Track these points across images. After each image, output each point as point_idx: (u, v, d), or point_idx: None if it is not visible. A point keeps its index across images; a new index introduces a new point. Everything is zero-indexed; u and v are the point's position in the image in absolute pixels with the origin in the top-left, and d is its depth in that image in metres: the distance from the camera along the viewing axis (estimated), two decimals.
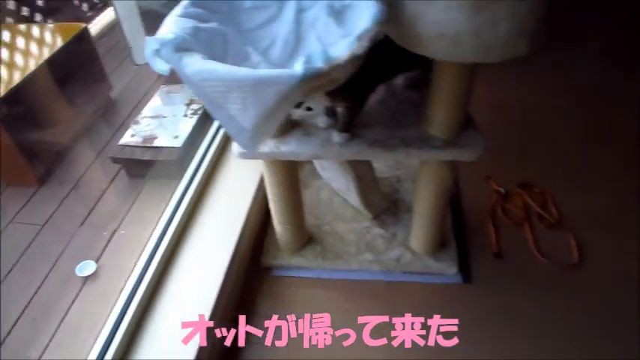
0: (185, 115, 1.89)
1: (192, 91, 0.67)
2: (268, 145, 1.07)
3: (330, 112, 1.08)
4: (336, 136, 1.06)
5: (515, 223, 1.48)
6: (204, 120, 1.78)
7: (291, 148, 1.06)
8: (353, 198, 1.42)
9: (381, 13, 0.70)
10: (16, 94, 1.72)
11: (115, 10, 1.12)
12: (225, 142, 1.57)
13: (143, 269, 1.16)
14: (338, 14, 0.75)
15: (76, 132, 2.04)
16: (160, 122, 1.85)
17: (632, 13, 2.56)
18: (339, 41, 0.67)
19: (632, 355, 1.15)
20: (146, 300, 1.13)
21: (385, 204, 1.49)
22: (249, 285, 1.36)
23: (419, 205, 1.24)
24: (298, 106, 1.12)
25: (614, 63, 2.19)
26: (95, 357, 0.99)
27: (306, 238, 1.41)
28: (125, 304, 1.08)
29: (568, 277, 1.33)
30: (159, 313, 1.11)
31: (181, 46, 0.66)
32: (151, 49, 0.69)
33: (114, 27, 2.30)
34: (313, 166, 1.61)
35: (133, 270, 1.17)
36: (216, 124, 1.62)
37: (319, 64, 0.62)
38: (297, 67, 0.61)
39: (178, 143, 1.75)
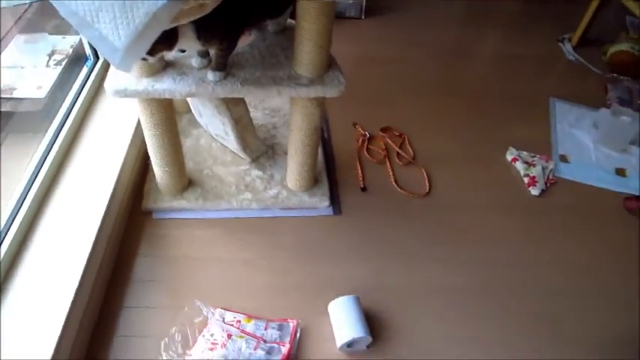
0: (47, 66, 1.77)
1: (61, 10, 0.68)
2: (142, 83, 1.09)
3: (204, 54, 1.13)
4: (211, 75, 1.11)
5: (378, 161, 1.67)
6: (71, 69, 1.69)
7: (165, 85, 1.09)
8: (231, 142, 1.49)
9: None
10: None
11: None
12: (98, 88, 1.53)
13: (6, 225, 1.11)
14: None
15: None
16: (19, 72, 1.72)
17: None
18: None
19: (470, 259, 1.40)
20: (13, 251, 1.10)
21: (263, 148, 1.58)
22: (130, 229, 1.38)
23: (292, 143, 1.36)
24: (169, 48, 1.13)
25: (468, 25, 2.49)
26: None
27: (186, 182, 1.45)
28: None
29: (420, 204, 1.56)
30: (27, 269, 1.09)
31: None
32: None
33: None
34: (192, 115, 1.64)
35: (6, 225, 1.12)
36: (84, 72, 1.56)
37: None
38: None
39: (42, 94, 1.65)
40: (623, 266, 1.43)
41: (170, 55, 1.15)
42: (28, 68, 1.75)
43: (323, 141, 1.69)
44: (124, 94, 1.09)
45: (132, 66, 0.77)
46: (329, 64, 1.18)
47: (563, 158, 1.78)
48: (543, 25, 2.53)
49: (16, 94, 1.64)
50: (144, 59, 0.98)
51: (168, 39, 0.95)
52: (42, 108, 1.61)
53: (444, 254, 1.41)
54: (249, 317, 1.21)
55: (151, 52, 0.95)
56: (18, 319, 1.00)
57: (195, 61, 1.14)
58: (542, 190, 1.63)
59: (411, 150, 1.72)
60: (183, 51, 1.17)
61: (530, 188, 1.63)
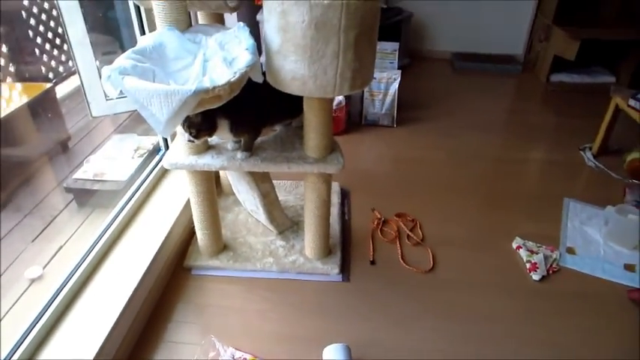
0: (132, 158, 2.27)
1: (129, 98, 1.07)
2: (189, 159, 1.47)
3: (237, 140, 1.51)
4: (239, 154, 1.48)
5: (389, 240, 1.89)
6: (149, 160, 2.16)
7: (205, 160, 1.47)
8: (261, 215, 1.80)
9: (251, 60, 1.15)
10: None
11: (79, 74, 1.51)
12: (164, 172, 1.96)
13: (71, 273, 1.45)
14: (229, 63, 1.20)
15: (32, 172, 2.36)
16: (111, 162, 2.22)
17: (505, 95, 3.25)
18: (224, 76, 1.11)
19: (464, 333, 1.52)
20: (74, 292, 1.43)
21: (289, 223, 1.88)
22: (173, 281, 1.68)
23: (306, 215, 1.64)
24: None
25: (492, 134, 2.78)
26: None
27: (222, 246, 1.76)
28: (52, 298, 1.37)
29: (423, 279, 1.73)
30: (88, 298, 1.42)
31: (123, 73, 1.08)
32: (106, 76, 1.10)
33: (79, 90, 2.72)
34: (236, 197, 2.00)
35: (71, 274, 1.46)
36: (155, 161, 2.01)
37: (206, 84, 1.06)
38: (192, 86, 1.04)
39: (124, 178, 2.11)
40: (620, 353, 1.46)
41: (213, 140, 1.54)
42: (118, 159, 2.25)
43: (342, 221, 1.96)
44: (175, 166, 1.48)
45: (170, 133, 1.14)
46: (332, 148, 1.50)
47: (570, 250, 1.88)
48: (567, 135, 2.75)
49: (105, 178, 2.12)
50: (191, 141, 1.37)
51: (209, 129, 1.36)
52: (122, 188, 2.05)
53: (439, 325, 1.54)
54: (254, 357, 1.41)
55: (197, 136, 1.34)
56: (66, 339, 1.28)
57: (230, 145, 1.52)
58: (544, 276, 1.74)
59: (421, 233, 1.93)
60: (221, 138, 1.56)
61: (532, 273, 1.75)
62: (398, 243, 1.87)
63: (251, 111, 1.45)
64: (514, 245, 1.88)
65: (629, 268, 1.80)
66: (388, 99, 2.74)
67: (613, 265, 1.81)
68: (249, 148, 1.48)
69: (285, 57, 1.23)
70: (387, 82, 2.72)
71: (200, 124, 1.32)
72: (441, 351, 1.45)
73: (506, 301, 1.64)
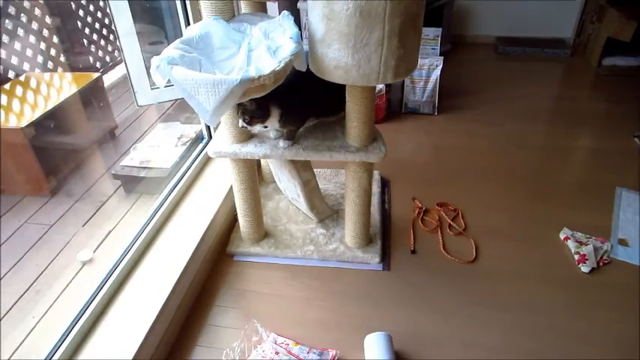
0: (176, 146, 2.32)
1: (177, 87, 1.09)
2: (232, 147, 1.49)
3: (280, 129, 1.52)
4: (282, 143, 1.49)
5: (431, 230, 1.87)
6: (192, 147, 2.21)
7: (248, 149, 1.48)
8: (302, 204, 1.81)
9: (295, 49, 1.15)
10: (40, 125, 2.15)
11: (125, 64, 1.55)
12: (207, 160, 2.00)
13: (121, 257, 1.51)
14: (274, 52, 1.20)
15: (83, 159, 2.46)
16: (155, 150, 2.28)
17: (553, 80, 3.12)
18: (268, 65, 1.12)
19: (508, 323, 1.50)
20: (123, 276, 1.48)
21: (329, 211, 1.88)
22: (216, 267, 1.73)
23: (347, 204, 1.64)
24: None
25: (542, 122, 2.68)
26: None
27: (263, 233, 1.79)
28: (103, 281, 1.42)
29: (466, 269, 1.70)
30: (137, 281, 1.48)
31: (172, 62, 1.10)
32: (155, 65, 1.13)
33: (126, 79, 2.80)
34: (276, 185, 2.02)
35: (120, 259, 1.51)
36: (199, 148, 2.05)
37: (252, 74, 1.06)
38: (238, 75, 1.05)
39: (168, 165, 2.17)
40: None
41: (255, 129, 1.55)
42: (162, 147, 2.31)
43: (383, 210, 1.95)
44: (219, 154, 1.50)
45: (217, 122, 1.16)
46: (374, 137, 1.49)
47: (623, 242, 1.81)
48: (619, 122, 2.62)
49: (150, 165, 2.18)
50: (244, 127, 1.40)
51: (261, 116, 1.38)
52: (167, 175, 2.11)
53: (482, 315, 1.52)
54: (296, 342, 1.43)
55: (250, 123, 1.37)
56: (116, 322, 1.34)
57: (272, 133, 1.53)
58: (593, 268, 1.68)
59: (463, 223, 1.90)
60: (265, 127, 1.57)
61: (581, 265, 1.69)
62: (439, 232, 1.84)
63: (302, 102, 1.47)
64: (562, 236, 1.82)
65: None
66: (429, 86, 2.68)
67: None
68: (292, 137, 1.49)
69: (328, 45, 1.22)
70: (428, 69, 2.67)
71: (254, 112, 1.34)
72: (483, 341, 1.43)
73: (553, 293, 1.59)
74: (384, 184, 2.12)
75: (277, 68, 1.11)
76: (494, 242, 1.80)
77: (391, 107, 2.76)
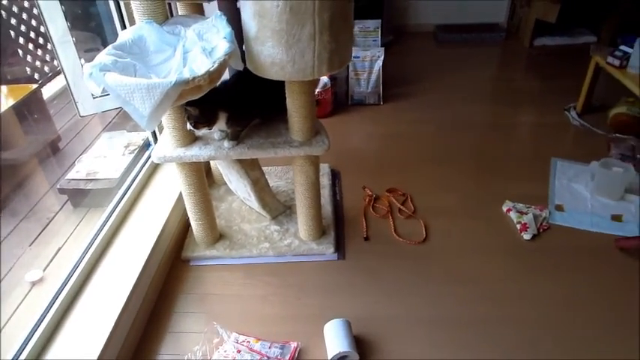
0: (123, 155, 2.28)
1: (111, 93, 1.08)
2: (177, 152, 1.48)
3: (224, 130, 1.53)
4: (226, 143, 1.49)
5: (382, 216, 1.92)
6: (139, 155, 2.17)
7: (193, 152, 1.48)
8: (253, 202, 1.83)
9: (229, 49, 1.17)
10: None
11: (64, 72, 1.51)
12: (155, 166, 1.97)
13: (70, 273, 1.47)
14: (209, 52, 1.21)
15: (25, 175, 2.37)
16: (102, 160, 2.23)
17: (490, 63, 3.26)
18: (203, 66, 1.12)
19: (459, 295, 1.56)
20: (74, 293, 1.45)
21: (282, 208, 1.90)
22: (172, 273, 1.71)
23: (297, 198, 1.67)
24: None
25: (480, 103, 2.80)
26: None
27: (217, 235, 1.79)
28: (53, 299, 1.39)
29: (417, 250, 1.76)
30: (89, 297, 1.45)
31: (104, 69, 1.09)
32: (87, 73, 1.11)
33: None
34: (227, 186, 2.02)
35: (70, 274, 1.48)
36: (145, 157, 2.03)
37: (186, 75, 1.07)
38: (172, 78, 1.06)
39: (116, 175, 2.12)
40: (613, 301, 1.52)
41: (200, 132, 1.55)
42: (109, 157, 2.26)
43: (335, 201, 1.99)
44: (164, 159, 1.49)
45: (154, 126, 1.16)
46: (317, 130, 1.52)
47: (559, 207, 1.93)
48: (552, 97, 2.77)
49: (97, 177, 2.13)
50: (191, 131, 1.40)
51: (208, 120, 1.39)
52: (115, 186, 2.07)
53: (434, 291, 1.59)
54: (258, 339, 1.45)
55: (196, 126, 1.38)
56: (70, 341, 1.31)
57: (216, 135, 1.53)
58: (534, 235, 1.78)
59: (412, 206, 1.96)
60: (210, 129, 1.57)
61: (523, 233, 1.79)
62: (390, 217, 1.90)
63: (249, 103, 1.50)
64: (504, 208, 1.92)
65: (615, 218, 1.86)
66: (373, 77, 2.74)
67: (601, 218, 1.86)
68: (237, 137, 1.50)
69: (262, 43, 1.24)
70: (370, 60, 2.72)
71: (198, 117, 1.35)
72: (437, 315, 1.50)
73: (499, 262, 1.68)
74: (335, 175, 2.16)
75: (212, 69, 1.11)
76: (443, 221, 1.87)
77: (338, 100, 2.80)
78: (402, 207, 1.95)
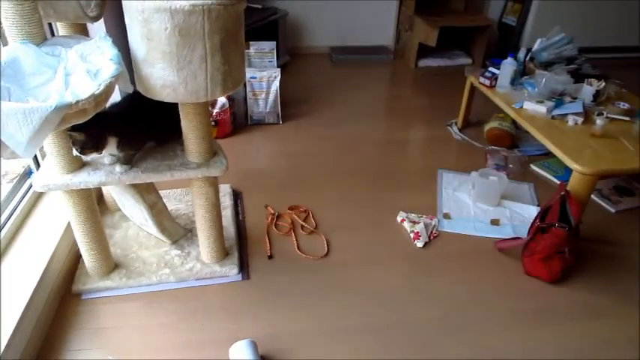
0: (0, 184, 2.07)
1: None
2: (63, 178, 1.39)
3: (114, 154, 1.46)
4: (118, 168, 1.43)
5: (285, 234, 1.95)
6: (20, 183, 1.99)
7: (81, 178, 1.40)
8: (151, 227, 1.76)
9: (116, 71, 1.13)
10: None
11: None
12: (38, 195, 1.83)
13: None
14: (94, 74, 1.16)
15: None
16: None
17: (380, 82, 3.47)
18: (88, 89, 1.08)
19: (360, 303, 1.63)
20: None
21: (182, 231, 1.85)
22: (61, 309, 1.59)
23: (197, 220, 1.64)
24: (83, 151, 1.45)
25: (371, 120, 2.96)
26: None
27: (112, 265, 1.69)
28: None
29: (320, 264, 1.82)
30: None
31: None
32: None
33: None
34: (122, 213, 1.92)
35: None
36: (27, 185, 1.87)
37: (69, 99, 1.02)
38: (53, 102, 1.00)
39: None
40: (498, 295, 1.69)
41: (89, 157, 1.47)
42: None
43: (237, 221, 1.98)
44: (49, 187, 1.39)
45: (33, 154, 1.08)
46: (214, 150, 1.52)
47: (446, 215, 2.10)
48: (436, 114, 3.03)
49: None
50: (77, 156, 1.32)
51: (96, 146, 1.32)
52: None
53: (337, 302, 1.64)
54: None
55: (83, 152, 1.30)
56: None
57: (107, 159, 1.46)
58: (426, 242, 1.92)
59: (314, 222, 2.02)
60: (99, 154, 1.50)
61: (416, 242, 1.92)
62: (293, 234, 1.94)
63: (141, 127, 1.46)
64: (399, 219, 2.04)
65: (494, 222, 2.06)
66: (271, 97, 2.79)
67: (482, 223, 2.05)
68: (129, 161, 1.45)
69: (152, 65, 1.22)
70: (268, 81, 2.77)
71: (84, 143, 1.28)
72: (342, 325, 1.55)
73: (396, 270, 1.79)
74: (237, 196, 2.16)
75: (97, 92, 1.08)
76: (343, 234, 1.95)
77: (237, 120, 2.81)
78: (303, 223, 1.99)
